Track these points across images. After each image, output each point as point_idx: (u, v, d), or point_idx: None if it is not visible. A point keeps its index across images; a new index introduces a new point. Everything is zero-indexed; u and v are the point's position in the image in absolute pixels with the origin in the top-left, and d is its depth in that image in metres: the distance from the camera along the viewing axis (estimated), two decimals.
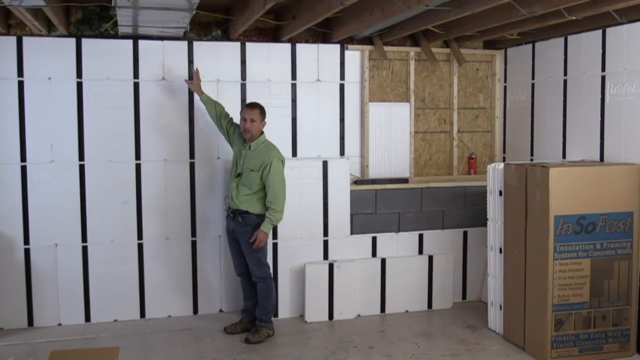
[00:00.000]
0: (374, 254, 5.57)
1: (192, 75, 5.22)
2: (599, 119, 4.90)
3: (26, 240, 5.06)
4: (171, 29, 4.79)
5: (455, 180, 5.88)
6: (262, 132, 4.83)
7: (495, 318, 5.03)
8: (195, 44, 5.33)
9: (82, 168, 5.13)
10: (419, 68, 6.00)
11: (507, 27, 5.15)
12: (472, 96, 6.21)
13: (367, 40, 5.79)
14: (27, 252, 5.07)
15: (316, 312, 5.31)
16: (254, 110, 4.78)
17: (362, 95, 5.81)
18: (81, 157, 5.12)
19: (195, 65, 5.26)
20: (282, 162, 4.79)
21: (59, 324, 5.14)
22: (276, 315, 5.27)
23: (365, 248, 5.55)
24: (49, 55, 5.02)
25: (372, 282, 5.48)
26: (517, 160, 5.48)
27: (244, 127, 4.74)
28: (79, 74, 5.09)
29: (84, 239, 5.16)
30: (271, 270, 4.99)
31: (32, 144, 5.03)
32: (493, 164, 5.03)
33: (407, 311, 5.55)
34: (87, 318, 5.20)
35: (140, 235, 5.27)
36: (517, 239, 4.70)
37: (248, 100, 5.30)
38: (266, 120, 4.85)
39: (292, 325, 5.22)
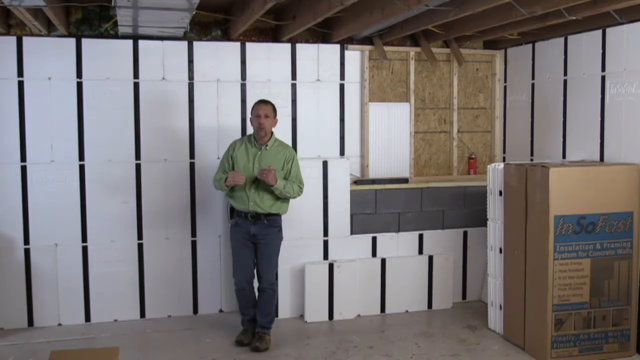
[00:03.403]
0: (374, 254, 5.57)
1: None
2: (599, 119, 4.90)
3: (26, 240, 5.06)
4: (171, 29, 4.80)
5: (455, 180, 5.87)
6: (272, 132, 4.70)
7: (495, 318, 5.03)
8: (195, 44, 5.33)
9: (82, 168, 5.13)
10: (419, 68, 6.00)
11: (507, 27, 5.16)
12: (472, 96, 6.21)
13: (367, 40, 5.79)
14: (27, 252, 5.07)
15: (316, 312, 5.31)
16: (268, 105, 4.63)
17: (362, 95, 5.81)
18: (81, 157, 5.13)
19: (196, 65, 5.27)
20: None
21: (59, 324, 5.14)
22: (276, 315, 5.26)
23: (365, 248, 5.54)
24: (49, 55, 5.02)
25: (372, 282, 5.48)
26: (517, 160, 5.47)
27: (259, 124, 4.54)
28: (79, 74, 5.09)
29: (84, 239, 5.16)
30: None
31: (32, 144, 5.03)
32: (493, 164, 5.03)
33: (407, 311, 5.55)
34: (87, 318, 5.20)
35: (140, 235, 5.27)
36: (517, 239, 4.70)
37: (248, 101, 5.31)
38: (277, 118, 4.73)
39: (292, 325, 5.22)
